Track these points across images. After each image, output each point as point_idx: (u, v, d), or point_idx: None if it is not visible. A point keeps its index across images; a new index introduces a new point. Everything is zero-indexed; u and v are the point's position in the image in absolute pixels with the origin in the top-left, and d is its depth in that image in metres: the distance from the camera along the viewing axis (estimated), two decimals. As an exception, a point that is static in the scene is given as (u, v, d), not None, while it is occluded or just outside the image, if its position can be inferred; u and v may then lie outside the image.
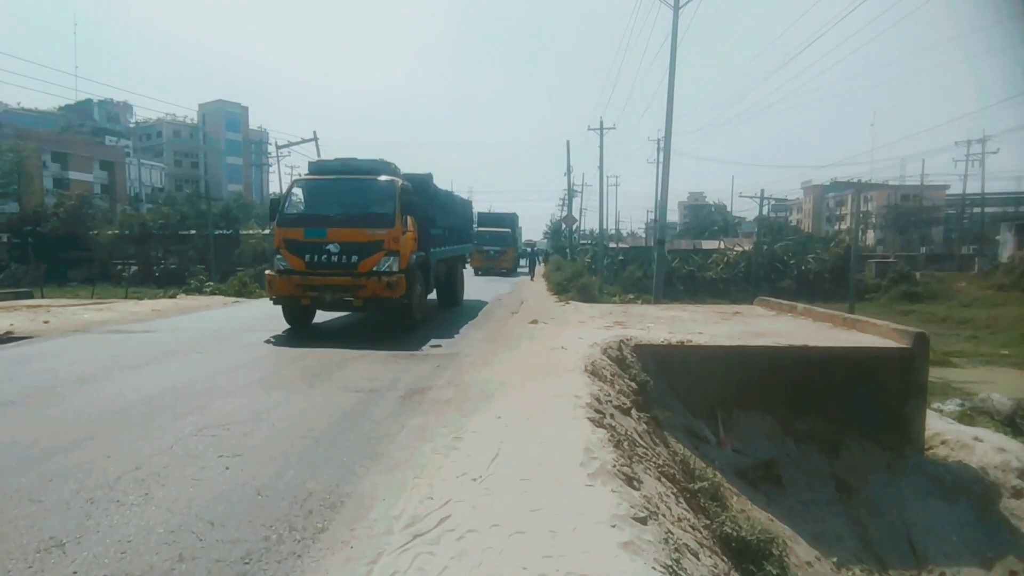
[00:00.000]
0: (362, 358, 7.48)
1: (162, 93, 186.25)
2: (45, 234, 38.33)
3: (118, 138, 71.39)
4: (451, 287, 13.51)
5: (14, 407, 5.26)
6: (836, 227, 71.77)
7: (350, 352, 7.86)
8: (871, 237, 63.58)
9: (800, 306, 12.35)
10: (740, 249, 37.29)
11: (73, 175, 53.91)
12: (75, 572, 2.66)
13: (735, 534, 4.25)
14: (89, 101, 72.36)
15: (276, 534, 3.00)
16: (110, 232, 39.87)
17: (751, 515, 6.39)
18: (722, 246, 40.40)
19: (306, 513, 3.23)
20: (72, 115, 70.62)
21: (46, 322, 10.40)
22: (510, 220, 36.04)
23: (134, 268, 33.42)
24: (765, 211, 47.80)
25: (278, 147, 48.30)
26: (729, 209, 76.05)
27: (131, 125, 78.74)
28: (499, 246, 30.08)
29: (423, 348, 8.26)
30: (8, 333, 9.21)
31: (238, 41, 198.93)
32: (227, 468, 3.82)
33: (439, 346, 8.33)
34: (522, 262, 36.54)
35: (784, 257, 34.50)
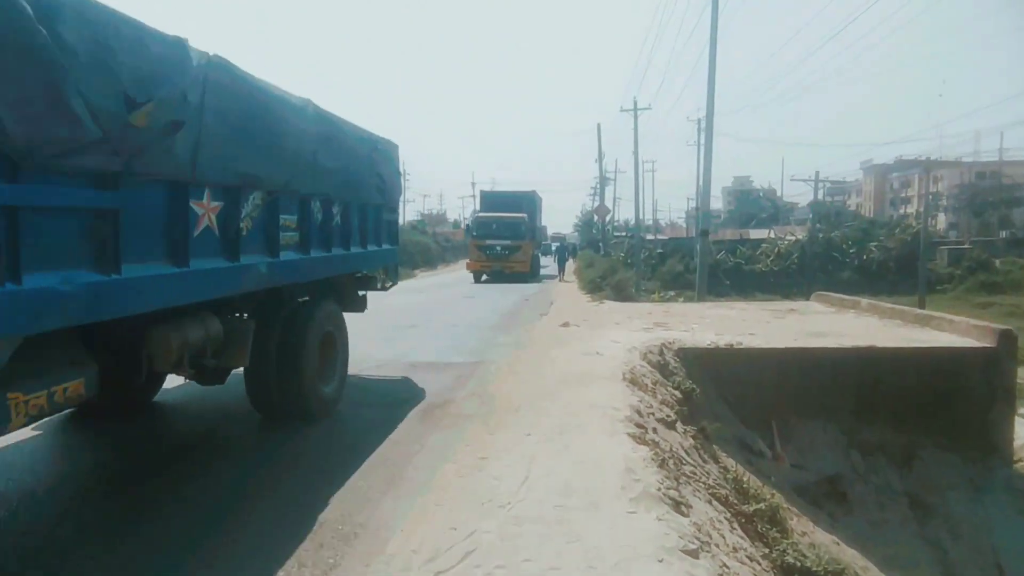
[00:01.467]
0: (378, 368, 7.45)
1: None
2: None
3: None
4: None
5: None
6: (901, 211, 69.97)
7: (371, 358, 7.83)
8: (942, 221, 61.79)
9: (864, 301, 11.99)
10: (792, 238, 36.50)
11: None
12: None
13: (799, 564, 4.06)
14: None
15: (284, 572, 2.94)
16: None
17: (814, 539, 6.16)
18: (772, 235, 39.58)
19: (317, 547, 3.16)
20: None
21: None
22: (527, 202, 27.91)
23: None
24: (820, 195, 46.81)
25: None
26: (779, 194, 74.75)
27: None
28: (508, 239, 23.98)
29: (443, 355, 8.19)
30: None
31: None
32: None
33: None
34: (544, 260, 33.99)
35: (843, 246, 33.65)
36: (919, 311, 10.85)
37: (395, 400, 5.92)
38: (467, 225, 26.13)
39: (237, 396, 6.17)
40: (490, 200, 28.98)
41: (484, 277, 23.96)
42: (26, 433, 4.60)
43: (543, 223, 37.59)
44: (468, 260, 23.75)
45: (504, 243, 23.94)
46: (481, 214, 27.55)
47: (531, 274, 25.51)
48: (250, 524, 3.48)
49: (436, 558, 3.02)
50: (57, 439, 4.87)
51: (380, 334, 9.04)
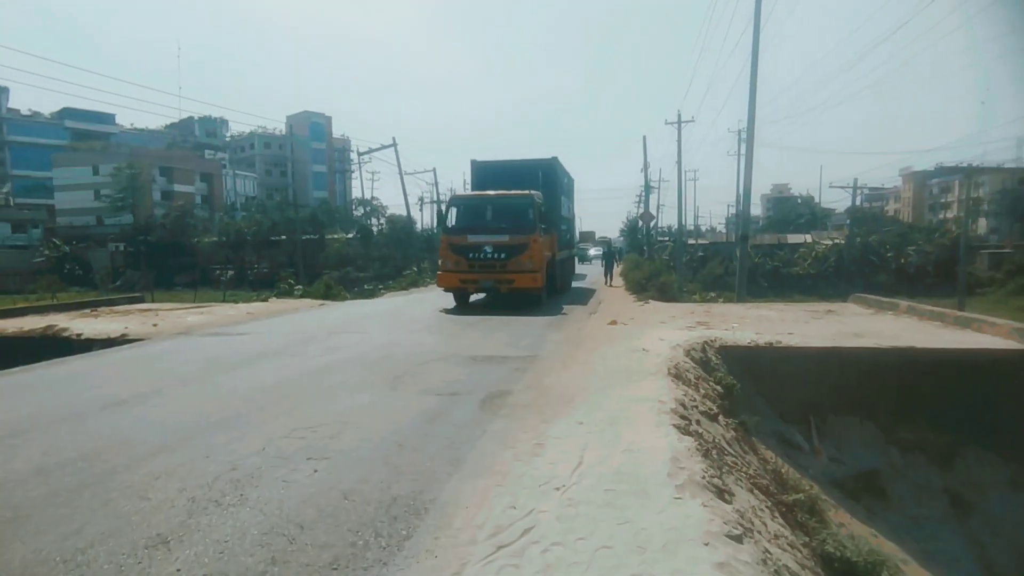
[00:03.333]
0: (443, 360, 7.56)
1: (253, 107, 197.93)
2: (154, 242, 41.76)
3: (215, 152, 76.56)
4: None
5: (125, 407, 5.65)
6: (941, 216, 66.31)
7: (431, 354, 7.97)
8: (983, 225, 58.27)
9: (903, 303, 11.45)
10: (830, 242, 35.09)
11: (178, 187, 58.25)
12: (178, 570, 2.78)
13: (839, 554, 3.93)
14: (191, 118, 78.08)
15: (362, 540, 3.03)
16: (209, 239, 42.84)
17: (852, 531, 5.94)
18: (809, 240, 38.15)
19: (391, 519, 3.24)
20: (176, 132, 76.52)
21: (155, 325, 11.21)
22: (545, 174, 15.53)
23: (230, 272, 35.64)
24: (858, 201, 44.84)
25: (359, 154, 50.24)
26: (817, 200, 71.93)
27: (227, 139, 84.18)
28: (506, 232, 13.07)
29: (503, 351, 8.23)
30: (123, 335, 10.03)
31: (320, 54, 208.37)
32: (315, 471, 3.91)
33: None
34: (581, 267, 28.62)
35: (880, 250, 32.16)
36: (960, 313, 10.28)
37: (459, 390, 6.00)
38: (439, 211, 15.37)
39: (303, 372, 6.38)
40: (485, 174, 15.75)
41: (460, 298, 14.07)
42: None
43: (573, 213, 21.38)
44: (439, 270, 13.63)
45: (499, 240, 12.87)
46: (462, 193, 17.64)
47: (554, 292, 15.37)
48: (336, 488, 3.60)
49: (498, 534, 3.06)
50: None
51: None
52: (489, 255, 12.91)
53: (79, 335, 10.21)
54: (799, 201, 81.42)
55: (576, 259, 25.05)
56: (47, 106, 74.02)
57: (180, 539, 3.05)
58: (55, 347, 9.65)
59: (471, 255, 13.04)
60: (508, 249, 12.88)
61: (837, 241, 34.16)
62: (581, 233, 26.10)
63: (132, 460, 4.17)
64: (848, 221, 42.21)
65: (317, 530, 3.13)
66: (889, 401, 7.48)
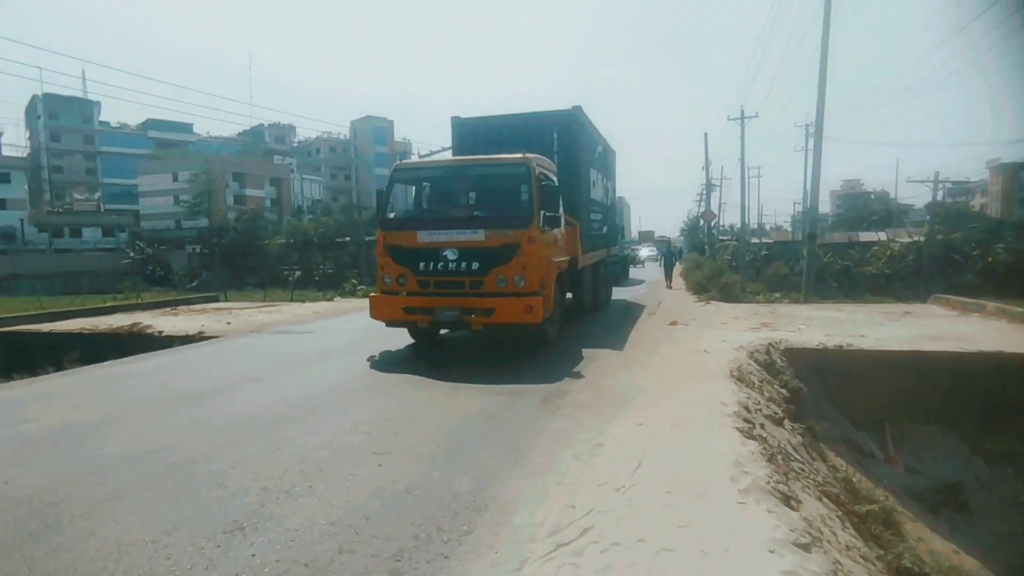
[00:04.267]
0: (502, 359, 7.62)
1: (320, 114, 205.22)
2: (226, 244, 43.95)
3: (284, 157, 79.77)
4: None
5: (204, 400, 6.00)
6: (1032, 211, 61.52)
7: (491, 352, 8.05)
8: (1081, 221, 53.68)
9: (990, 304, 10.72)
10: (907, 240, 33.16)
11: (249, 192, 61.03)
12: (253, 555, 2.93)
13: (917, 569, 3.73)
14: (261, 126, 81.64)
15: (425, 533, 3.10)
16: (278, 241, 44.69)
17: (932, 546, 5.63)
18: (884, 238, 36.19)
19: (452, 514, 3.31)
20: (248, 139, 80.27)
21: (229, 323, 11.82)
22: (566, 128, 9.85)
23: (298, 273, 37.01)
24: (939, 196, 42.22)
25: (420, 156, 51.21)
26: (892, 196, 68.14)
27: (295, 145, 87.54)
28: (476, 230, 7.49)
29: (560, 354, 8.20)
30: (200, 333, 10.64)
31: (381, 60, 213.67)
32: (380, 465, 4.03)
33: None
34: (634, 269, 26.63)
35: (965, 248, 30.10)
36: (1054, 316, 9.53)
37: (518, 390, 6.05)
38: (378, 196, 8.17)
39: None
40: (474, 136, 10.12)
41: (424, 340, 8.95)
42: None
43: (613, 195, 15.41)
44: (373, 291, 8.42)
45: (468, 239, 7.55)
46: (409, 162, 11.69)
47: (579, 311, 11.04)
48: (399, 483, 3.71)
49: (557, 532, 3.08)
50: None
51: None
52: (452, 266, 7.44)
53: (161, 332, 10.89)
54: (872, 197, 77.41)
55: (627, 261, 22.52)
56: (133, 118, 79.16)
57: (254, 526, 3.22)
58: (140, 343, 10.38)
59: (422, 266, 7.55)
60: (484, 255, 7.37)
61: (916, 239, 32.24)
62: (640, 233, 24.11)
63: (210, 450, 4.42)
64: (928, 217, 39.78)
65: (381, 522, 3.23)
66: (974, 410, 7.03)
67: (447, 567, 2.81)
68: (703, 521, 3.17)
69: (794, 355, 7.93)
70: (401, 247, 7.72)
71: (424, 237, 7.58)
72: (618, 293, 15.71)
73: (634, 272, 25.98)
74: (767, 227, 69.09)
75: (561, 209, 8.46)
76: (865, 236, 38.42)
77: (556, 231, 8.28)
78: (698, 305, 14.07)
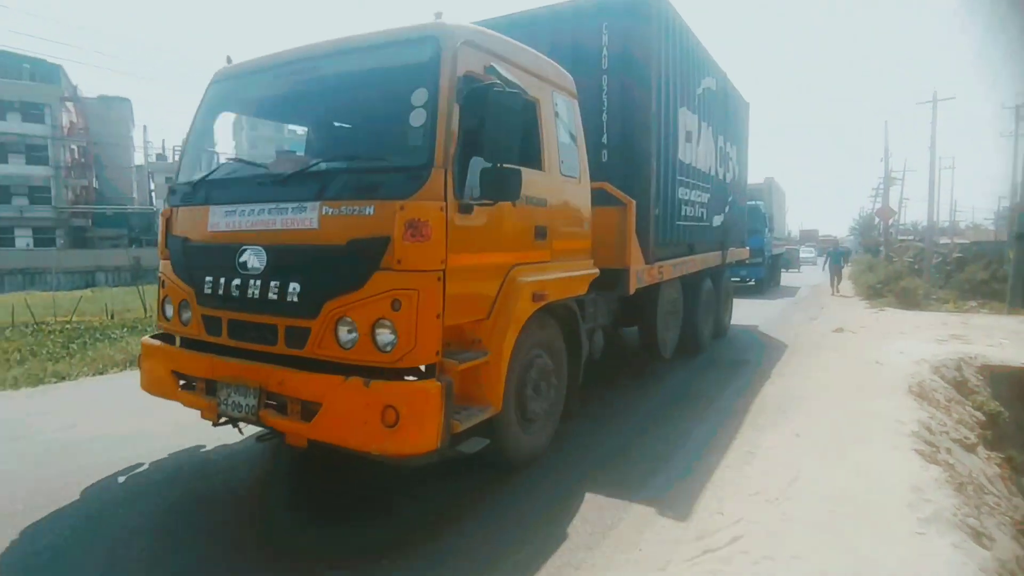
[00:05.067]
0: (630, 359, 7.49)
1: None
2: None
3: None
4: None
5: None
6: None
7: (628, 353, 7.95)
8: None
9: None
10: None
11: None
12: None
13: None
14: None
15: (572, 529, 3.18)
16: None
17: None
18: (1123, 238, 29.88)
19: (597, 509, 3.36)
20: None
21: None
22: (621, 29, 5.36)
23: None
24: None
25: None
26: None
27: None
28: (292, 202, 3.21)
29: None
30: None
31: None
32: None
33: None
34: (786, 275, 22.77)
35: None
36: None
37: (661, 391, 5.94)
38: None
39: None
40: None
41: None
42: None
43: (733, 159, 9.15)
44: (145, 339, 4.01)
45: (286, 224, 3.20)
46: (234, 65, 4.09)
47: (654, 354, 6.68)
48: (546, 484, 3.83)
49: (704, 537, 3.00)
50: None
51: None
52: (253, 287, 3.30)
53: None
54: (1106, 190, 64.35)
55: (777, 265, 19.29)
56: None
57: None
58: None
59: (209, 282, 3.53)
60: (317, 264, 3.17)
61: None
62: (802, 232, 20.96)
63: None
64: None
65: (528, 507, 3.37)
66: None
67: (589, 559, 2.86)
68: (871, 548, 2.90)
69: (993, 374, 6.92)
70: (186, 241, 3.78)
71: (216, 220, 3.61)
72: (751, 314, 11.98)
73: (787, 278, 22.39)
74: (961, 225, 60.29)
75: (559, 157, 4.10)
76: (1095, 237, 32.07)
77: (533, 206, 3.79)
78: (869, 312, 12.73)
